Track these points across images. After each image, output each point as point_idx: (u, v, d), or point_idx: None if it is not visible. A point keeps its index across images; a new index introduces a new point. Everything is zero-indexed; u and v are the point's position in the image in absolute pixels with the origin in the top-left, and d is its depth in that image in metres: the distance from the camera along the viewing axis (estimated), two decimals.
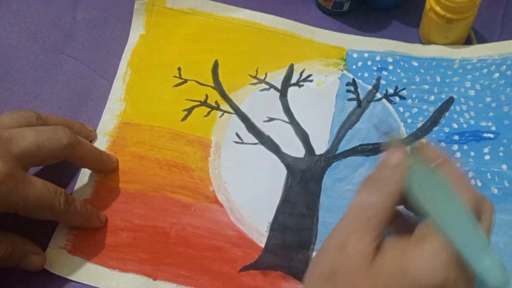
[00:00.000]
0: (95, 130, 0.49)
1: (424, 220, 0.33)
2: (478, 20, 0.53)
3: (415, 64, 0.52)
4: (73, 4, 0.56)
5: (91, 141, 0.49)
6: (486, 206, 0.34)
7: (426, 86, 0.51)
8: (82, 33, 0.54)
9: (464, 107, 0.50)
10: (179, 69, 0.52)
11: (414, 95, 0.50)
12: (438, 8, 0.49)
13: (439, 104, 0.50)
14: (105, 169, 0.47)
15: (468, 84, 0.50)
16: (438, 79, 0.51)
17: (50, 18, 0.55)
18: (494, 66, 0.51)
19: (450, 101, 0.50)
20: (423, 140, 0.46)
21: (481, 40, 0.54)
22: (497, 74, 0.50)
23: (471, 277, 0.31)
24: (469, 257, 0.30)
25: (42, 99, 0.51)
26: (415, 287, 0.31)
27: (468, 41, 0.54)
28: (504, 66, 0.51)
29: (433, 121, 0.49)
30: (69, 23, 0.55)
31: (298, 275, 0.44)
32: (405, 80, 0.51)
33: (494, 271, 0.29)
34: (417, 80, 0.51)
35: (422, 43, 0.54)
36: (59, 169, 0.46)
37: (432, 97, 0.50)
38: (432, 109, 0.50)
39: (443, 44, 0.52)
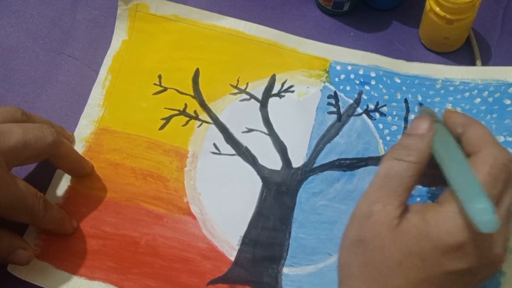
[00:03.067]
0: (73, 135, 0.49)
1: (445, 190, 0.35)
2: (478, 21, 0.53)
3: (398, 81, 0.51)
4: (73, 4, 0.56)
5: None
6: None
7: (407, 105, 0.50)
8: (82, 33, 0.55)
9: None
10: (159, 76, 0.52)
11: (394, 113, 0.49)
12: (438, 9, 0.48)
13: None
14: (82, 173, 0.47)
15: (449, 106, 0.49)
16: (420, 98, 0.50)
17: (50, 18, 0.56)
18: (476, 91, 0.50)
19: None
20: (449, 107, 0.46)
21: (481, 40, 0.53)
22: (478, 100, 0.49)
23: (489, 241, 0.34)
24: (464, 201, 0.32)
25: (42, 99, 0.52)
26: (436, 247, 0.33)
27: (468, 42, 0.53)
28: (486, 92, 0.49)
29: None
30: (69, 23, 0.55)
31: None
32: (386, 97, 0.50)
33: (484, 215, 0.31)
34: (399, 97, 0.50)
35: (422, 43, 0.53)
36: (31, 173, 0.47)
37: (412, 116, 0.49)
38: None
39: (427, 62, 0.52)
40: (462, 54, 0.53)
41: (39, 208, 0.42)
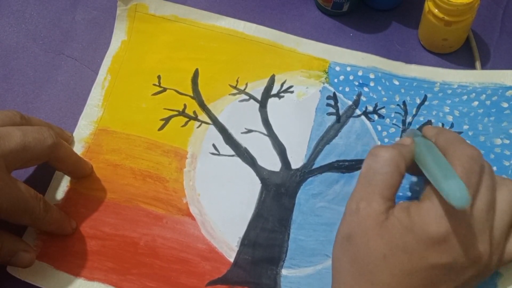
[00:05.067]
0: (72, 136, 0.49)
1: (426, 187, 0.37)
2: (477, 21, 0.53)
3: (396, 83, 0.51)
4: (73, 4, 0.56)
5: None
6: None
7: (405, 107, 0.50)
8: (81, 34, 0.55)
9: None
10: (158, 77, 0.52)
11: (392, 115, 0.49)
12: (437, 10, 0.48)
13: (417, 126, 0.49)
14: (81, 174, 0.47)
15: (447, 109, 0.49)
16: (418, 101, 0.50)
17: (49, 19, 0.55)
18: (474, 94, 0.50)
19: (427, 125, 0.49)
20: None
21: (480, 41, 0.53)
22: (476, 103, 0.49)
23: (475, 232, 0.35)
24: (438, 181, 0.34)
25: (42, 100, 0.52)
26: (419, 240, 0.35)
27: (467, 43, 0.53)
28: (484, 95, 0.49)
29: None
30: (68, 24, 0.55)
31: None
32: (385, 99, 0.50)
33: (456, 191, 0.33)
34: (397, 99, 0.50)
35: (421, 44, 0.53)
36: (30, 174, 0.47)
37: (410, 118, 0.49)
38: None
39: (427, 65, 0.52)
40: (461, 55, 0.53)
41: (39, 210, 0.42)
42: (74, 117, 0.50)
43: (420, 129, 0.46)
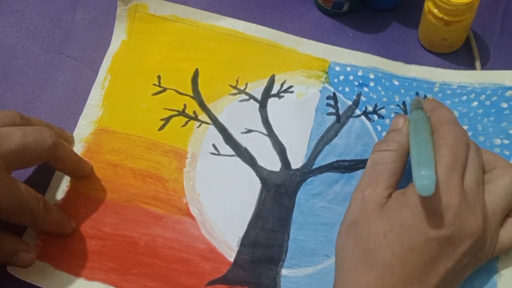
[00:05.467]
0: (72, 136, 0.49)
1: None
2: (477, 21, 0.53)
3: (396, 83, 0.51)
4: (73, 4, 0.56)
5: None
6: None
7: (405, 107, 0.50)
8: (81, 34, 0.55)
9: None
10: (158, 77, 0.52)
11: (392, 115, 0.49)
12: (436, 10, 0.48)
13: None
14: (81, 174, 0.47)
15: None
16: None
17: (49, 19, 0.55)
18: (473, 94, 0.50)
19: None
20: (429, 96, 0.49)
21: (480, 41, 0.53)
22: (475, 103, 0.49)
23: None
24: (413, 166, 0.37)
25: (42, 100, 0.52)
26: (415, 214, 0.37)
27: (467, 43, 0.53)
28: (483, 96, 0.50)
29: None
30: (68, 24, 0.55)
31: None
32: (385, 99, 0.50)
33: (423, 179, 0.35)
34: (397, 100, 0.50)
35: (421, 44, 0.53)
36: (30, 174, 0.47)
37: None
38: None
39: (428, 65, 0.52)
40: (461, 55, 0.53)
41: (39, 210, 0.42)
42: (74, 117, 0.50)
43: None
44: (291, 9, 0.56)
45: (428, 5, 0.49)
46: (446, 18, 0.48)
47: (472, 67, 0.52)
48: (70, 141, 0.49)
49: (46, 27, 0.55)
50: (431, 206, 0.37)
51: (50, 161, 0.44)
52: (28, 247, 0.43)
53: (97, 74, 0.52)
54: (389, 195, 0.39)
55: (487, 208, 0.39)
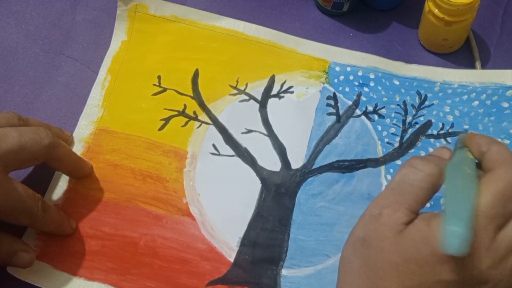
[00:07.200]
0: (72, 136, 0.49)
1: None
2: (478, 21, 0.53)
3: (397, 83, 0.51)
4: (73, 5, 0.56)
5: None
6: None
7: (405, 107, 0.50)
8: (81, 34, 0.55)
9: (442, 132, 0.49)
10: (159, 77, 0.52)
11: (393, 115, 0.49)
12: (437, 10, 0.49)
13: (417, 126, 0.49)
14: (81, 174, 0.47)
15: (447, 109, 0.49)
16: (418, 101, 0.50)
17: (50, 19, 0.55)
18: (474, 94, 0.50)
19: (428, 125, 0.49)
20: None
21: (480, 41, 0.53)
22: (476, 102, 0.49)
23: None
24: (446, 220, 0.31)
25: (42, 100, 0.52)
26: (434, 253, 0.33)
27: (467, 43, 0.53)
28: (484, 95, 0.50)
29: (410, 143, 0.48)
30: (68, 24, 0.55)
31: None
32: (385, 99, 0.50)
33: (454, 238, 0.30)
34: (397, 99, 0.50)
35: (421, 44, 0.53)
36: (29, 174, 0.47)
37: (410, 118, 0.49)
38: (409, 130, 0.49)
39: (428, 65, 0.52)
40: (462, 55, 0.53)
41: (37, 210, 0.42)
42: (74, 117, 0.50)
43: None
44: (291, 9, 0.56)
45: (429, 5, 0.49)
46: (446, 18, 0.48)
47: (472, 67, 0.52)
48: (70, 141, 0.49)
49: (46, 27, 0.55)
50: None
51: (48, 161, 0.44)
52: (27, 247, 0.43)
53: (97, 74, 0.52)
54: (409, 222, 0.35)
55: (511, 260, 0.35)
